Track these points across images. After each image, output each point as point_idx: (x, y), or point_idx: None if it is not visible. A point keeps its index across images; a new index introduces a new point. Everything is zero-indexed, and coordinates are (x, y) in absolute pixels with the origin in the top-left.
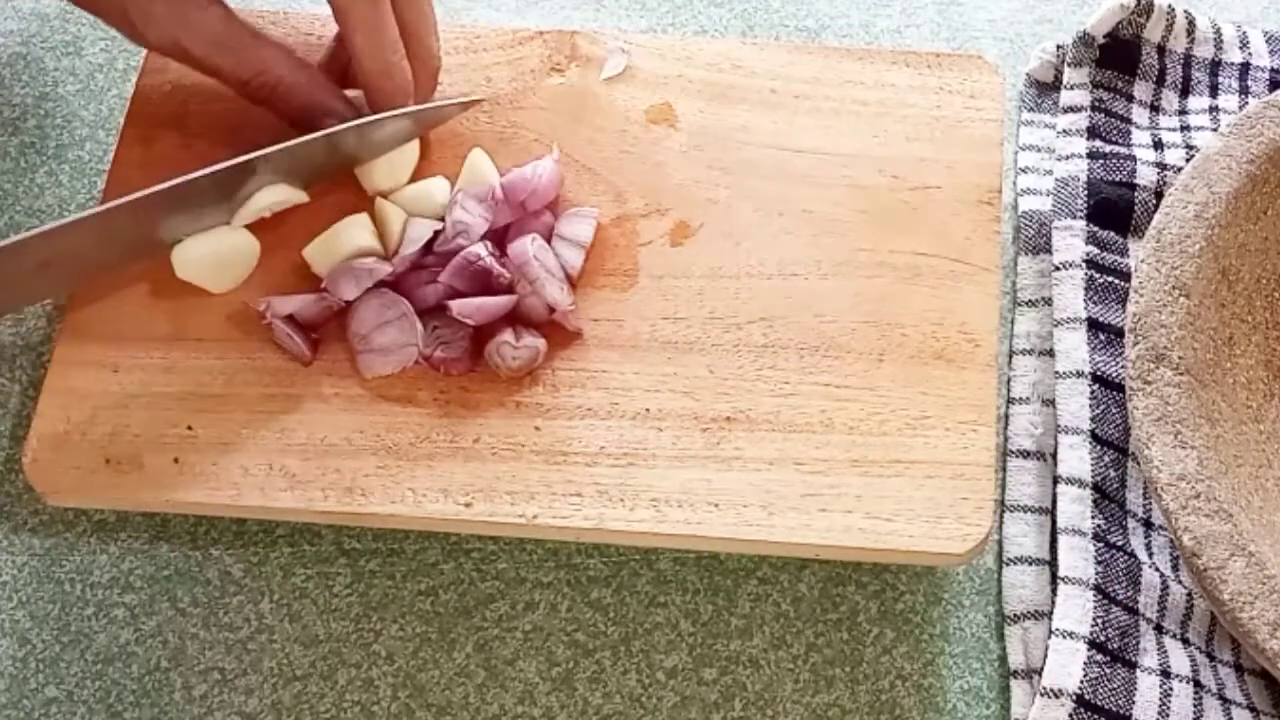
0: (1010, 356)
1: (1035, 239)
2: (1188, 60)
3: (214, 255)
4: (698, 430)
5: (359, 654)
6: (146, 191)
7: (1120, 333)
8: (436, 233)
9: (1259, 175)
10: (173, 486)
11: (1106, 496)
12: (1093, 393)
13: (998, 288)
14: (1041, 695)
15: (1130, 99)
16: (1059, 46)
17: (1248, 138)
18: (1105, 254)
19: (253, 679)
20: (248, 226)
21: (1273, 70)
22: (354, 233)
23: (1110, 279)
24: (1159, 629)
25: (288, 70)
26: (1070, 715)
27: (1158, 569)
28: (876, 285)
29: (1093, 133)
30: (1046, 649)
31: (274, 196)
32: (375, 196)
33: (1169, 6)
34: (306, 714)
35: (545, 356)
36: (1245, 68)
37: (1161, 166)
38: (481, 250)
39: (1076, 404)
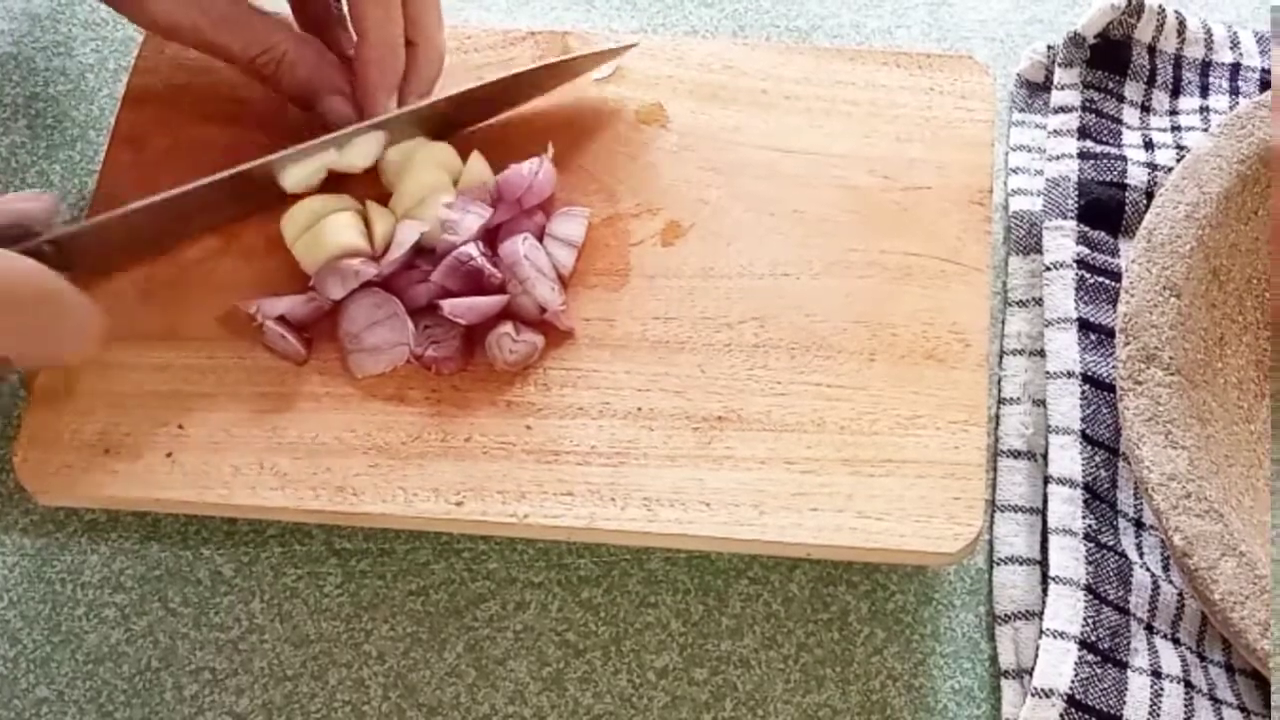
0: (1001, 356)
1: (1026, 239)
2: (1178, 60)
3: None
4: (689, 429)
5: (350, 654)
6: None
7: (1111, 333)
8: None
9: (1250, 175)
10: (164, 486)
11: (1097, 496)
12: (1083, 393)
13: (988, 288)
14: (1032, 695)
15: (1121, 99)
16: (1049, 47)
17: (1238, 138)
18: (1096, 254)
19: (243, 679)
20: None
21: (1263, 70)
22: (340, 230)
23: (1101, 279)
24: (1150, 629)
25: (293, 46)
26: (1061, 715)
27: (1149, 569)
28: (867, 285)
29: (1083, 133)
30: (1037, 649)
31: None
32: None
33: (1159, 7)
34: (297, 714)
35: (538, 356)
36: (1236, 68)
37: (1152, 167)
38: (473, 250)
39: (1067, 404)
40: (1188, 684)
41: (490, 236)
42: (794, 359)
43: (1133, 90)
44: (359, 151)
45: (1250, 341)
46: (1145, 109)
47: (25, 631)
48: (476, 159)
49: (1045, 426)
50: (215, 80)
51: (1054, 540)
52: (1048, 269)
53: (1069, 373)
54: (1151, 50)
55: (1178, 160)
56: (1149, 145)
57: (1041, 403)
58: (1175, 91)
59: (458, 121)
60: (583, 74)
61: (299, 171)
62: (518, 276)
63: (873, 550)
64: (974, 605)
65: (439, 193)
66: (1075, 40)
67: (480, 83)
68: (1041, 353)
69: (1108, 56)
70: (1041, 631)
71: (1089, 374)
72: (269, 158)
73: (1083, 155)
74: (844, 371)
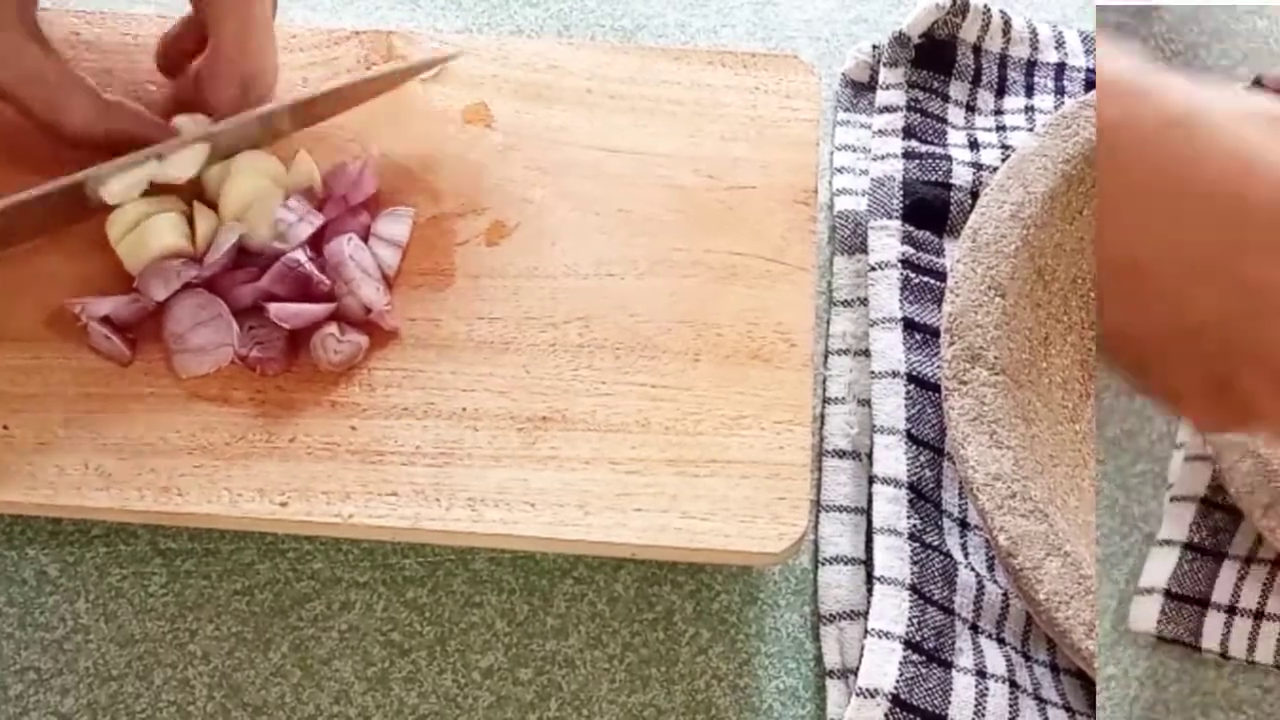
0: (826, 356)
1: (851, 239)
2: (1003, 60)
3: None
4: (514, 430)
5: (175, 654)
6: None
7: (936, 333)
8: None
9: (1075, 175)
10: None
11: (922, 496)
12: (908, 393)
13: (813, 287)
14: (857, 695)
15: (946, 99)
16: (875, 46)
17: (1063, 138)
18: (921, 254)
19: (68, 679)
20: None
21: (1088, 70)
22: (162, 231)
23: (926, 279)
24: (975, 629)
25: (95, 118)
26: (886, 715)
27: (973, 569)
28: (692, 285)
29: (908, 133)
30: (862, 649)
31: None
32: (193, 199)
33: (985, 6)
34: (122, 714)
35: (362, 356)
36: (1061, 68)
37: (977, 166)
38: (301, 256)
39: (892, 404)
40: (1013, 684)
41: (315, 237)
42: (619, 359)
43: (958, 90)
44: (181, 163)
45: (1075, 341)
46: (970, 108)
47: None
48: (304, 158)
49: (870, 426)
50: None
51: (879, 540)
52: (873, 269)
53: (894, 372)
54: (977, 50)
55: (1003, 160)
56: (974, 145)
57: (866, 402)
58: (1000, 91)
59: (282, 130)
60: (409, 80)
61: (119, 184)
62: (342, 277)
63: (697, 550)
64: (799, 605)
65: (265, 198)
66: (900, 40)
67: (307, 95)
68: (866, 352)
69: (933, 56)
70: (866, 631)
71: (914, 374)
72: (86, 172)
73: (908, 155)
74: (669, 372)
